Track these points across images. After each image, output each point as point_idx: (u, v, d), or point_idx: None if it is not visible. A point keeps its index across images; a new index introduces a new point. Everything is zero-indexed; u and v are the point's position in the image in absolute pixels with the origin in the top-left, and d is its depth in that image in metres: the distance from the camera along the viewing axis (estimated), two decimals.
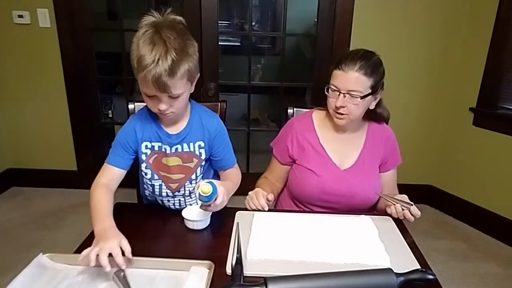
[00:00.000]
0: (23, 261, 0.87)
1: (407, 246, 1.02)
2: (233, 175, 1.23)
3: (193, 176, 1.20)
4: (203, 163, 1.20)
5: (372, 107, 1.28)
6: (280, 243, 1.00)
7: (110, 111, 3.05)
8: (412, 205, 1.13)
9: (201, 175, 1.22)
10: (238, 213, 1.16)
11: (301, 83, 3.14)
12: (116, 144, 1.14)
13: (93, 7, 2.57)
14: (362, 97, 1.19)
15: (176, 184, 1.20)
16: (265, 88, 3.34)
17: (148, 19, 1.00)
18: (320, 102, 1.36)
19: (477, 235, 2.43)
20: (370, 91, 1.21)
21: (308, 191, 1.31)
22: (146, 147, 1.15)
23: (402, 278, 0.81)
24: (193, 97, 1.18)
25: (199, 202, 1.02)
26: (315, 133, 1.35)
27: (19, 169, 2.81)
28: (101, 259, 0.83)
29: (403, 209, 1.13)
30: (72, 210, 2.54)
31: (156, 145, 1.16)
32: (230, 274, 0.88)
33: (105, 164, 1.13)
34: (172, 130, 1.15)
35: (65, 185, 2.79)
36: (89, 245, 0.89)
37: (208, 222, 1.10)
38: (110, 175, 1.11)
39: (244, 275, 0.86)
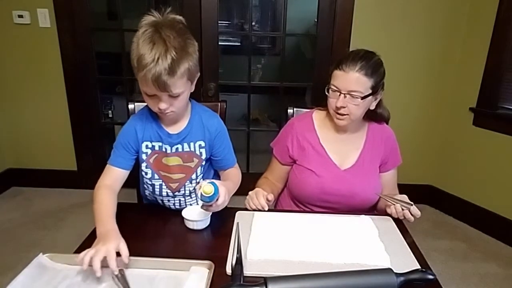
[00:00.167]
0: (23, 261, 0.87)
1: (407, 246, 1.02)
2: (234, 175, 1.23)
3: (194, 176, 1.20)
4: (204, 163, 1.20)
5: (372, 107, 1.28)
6: (280, 243, 1.00)
7: (110, 111, 3.05)
8: (412, 205, 1.13)
9: (202, 175, 1.22)
10: (238, 213, 1.16)
11: (301, 83, 3.14)
12: (117, 144, 1.14)
13: (93, 7, 2.57)
14: (362, 98, 1.20)
15: (176, 184, 1.20)
16: (265, 88, 3.34)
17: (148, 18, 1.00)
18: (320, 102, 1.36)
19: (477, 235, 2.43)
20: (370, 91, 1.21)
21: (308, 191, 1.31)
22: (147, 146, 1.15)
23: (402, 278, 0.81)
24: (193, 97, 1.18)
25: (200, 202, 1.02)
26: (315, 133, 1.35)
27: (19, 169, 2.81)
28: (93, 262, 0.83)
29: (403, 209, 1.13)
30: (72, 210, 2.54)
31: (157, 144, 1.16)
32: (230, 274, 0.88)
33: (107, 165, 1.13)
34: (173, 130, 1.15)
35: (65, 185, 2.79)
36: (89, 245, 0.89)
37: (208, 222, 1.10)
38: (113, 176, 1.11)
39: (244, 275, 0.86)
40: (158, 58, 0.94)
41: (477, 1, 2.34)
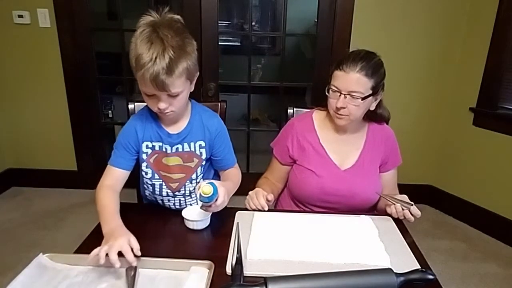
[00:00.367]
0: (23, 261, 0.87)
1: (407, 246, 1.02)
2: (234, 175, 1.23)
3: (194, 176, 1.20)
4: (204, 162, 1.20)
5: (372, 108, 1.28)
6: (280, 243, 1.00)
7: (110, 111, 3.05)
8: (412, 205, 1.13)
9: (202, 174, 1.22)
10: (238, 213, 1.16)
11: (301, 83, 3.14)
12: (117, 145, 1.14)
13: (93, 7, 2.57)
14: (363, 98, 1.19)
15: (177, 184, 1.20)
16: (265, 88, 3.34)
17: (146, 18, 1.00)
18: (320, 102, 1.36)
19: (477, 235, 2.43)
20: (371, 92, 1.21)
21: (309, 191, 1.31)
22: (147, 146, 1.15)
23: (402, 278, 0.81)
24: (193, 97, 1.18)
25: (200, 203, 1.02)
26: (315, 134, 1.35)
27: (19, 169, 2.81)
28: (111, 256, 0.83)
29: (403, 209, 1.13)
30: (72, 210, 2.54)
31: (157, 144, 1.16)
32: (230, 274, 0.88)
33: (108, 166, 1.13)
34: (173, 130, 1.15)
35: (65, 185, 2.79)
36: (90, 245, 0.89)
37: (208, 222, 1.10)
38: (114, 177, 1.11)
39: (244, 275, 0.86)
40: (156, 58, 0.94)
41: (477, 1, 2.34)
